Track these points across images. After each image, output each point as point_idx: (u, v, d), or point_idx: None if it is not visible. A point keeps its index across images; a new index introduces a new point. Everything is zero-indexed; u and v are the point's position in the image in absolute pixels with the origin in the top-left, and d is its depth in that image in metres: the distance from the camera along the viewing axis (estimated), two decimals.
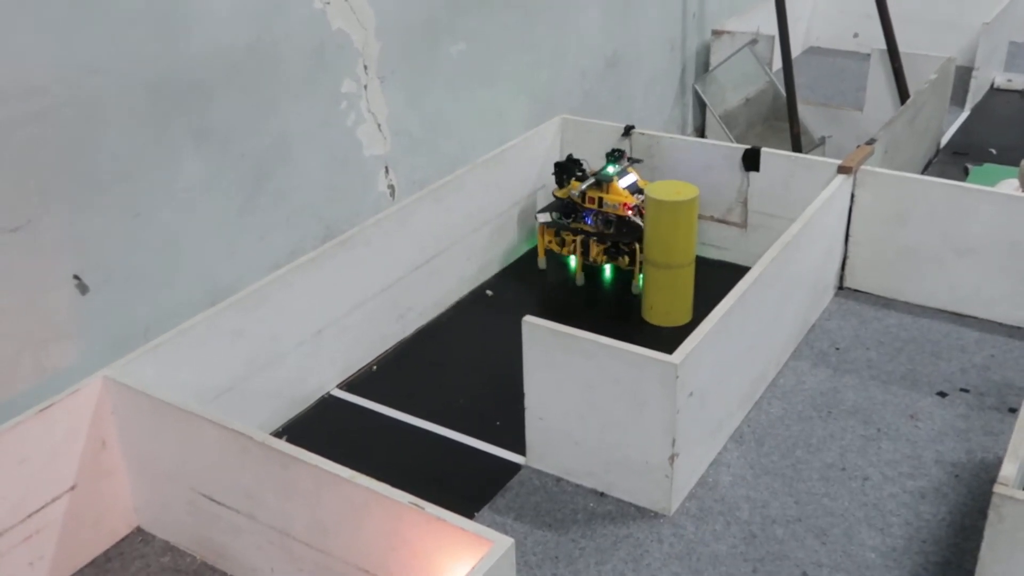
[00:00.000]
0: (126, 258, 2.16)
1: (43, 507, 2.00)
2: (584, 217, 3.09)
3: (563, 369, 2.21)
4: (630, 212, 3.02)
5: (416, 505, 1.69)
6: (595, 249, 3.08)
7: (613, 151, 3.11)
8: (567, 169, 3.15)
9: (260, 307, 2.39)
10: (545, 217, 3.19)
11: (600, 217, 3.07)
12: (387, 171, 2.83)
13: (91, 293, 2.11)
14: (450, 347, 2.87)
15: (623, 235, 3.03)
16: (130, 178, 2.13)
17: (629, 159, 3.16)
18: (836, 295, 3.06)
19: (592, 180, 3.06)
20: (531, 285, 3.18)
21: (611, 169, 3.05)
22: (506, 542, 1.60)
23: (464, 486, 2.32)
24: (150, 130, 2.15)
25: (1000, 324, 2.86)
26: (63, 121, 1.98)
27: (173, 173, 2.23)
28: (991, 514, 1.68)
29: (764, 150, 3.07)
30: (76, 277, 2.07)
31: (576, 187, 3.09)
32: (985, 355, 2.73)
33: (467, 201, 3.04)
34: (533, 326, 2.22)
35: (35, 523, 1.99)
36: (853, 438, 2.42)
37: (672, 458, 2.15)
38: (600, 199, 3.04)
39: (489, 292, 3.13)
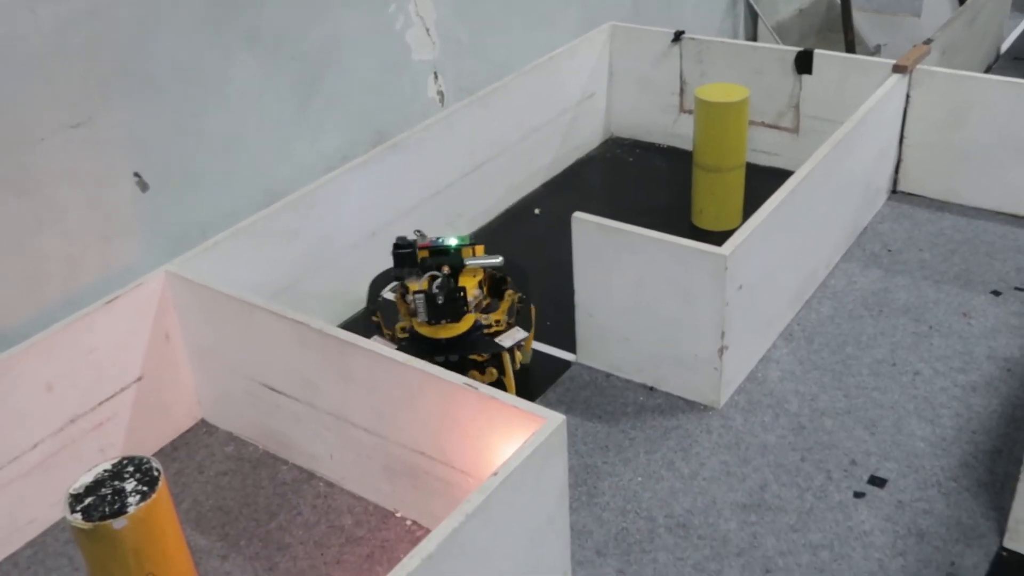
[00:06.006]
0: (184, 157, 2.21)
1: (112, 396, 2.08)
2: None
3: (612, 265, 2.23)
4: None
5: (470, 386, 1.74)
6: None
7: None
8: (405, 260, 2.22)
9: (314, 209, 2.43)
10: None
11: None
12: (436, 76, 2.84)
13: (151, 191, 2.16)
14: (500, 252, 2.88)
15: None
16: (186, 78, 2.17)
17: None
18: (889, 198, 3.02)
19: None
20: (580, 198, 3.18)
21: (453, 241, 2.22)
22: (558, 418, 1.64)
23: (515, 383, 2.36)
24: (204, 30, 2.18)
25: None
26: (119, 19, 2.01)
27: (227, 75, 2.26)
28: None
29: (817, 51, 3.02)
30: (136, 175, 2.13)
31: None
32: None
33: (515, 109, 3.04)
34: (582, 222, 2.23)
35: (105, 411, 2.08)
36: (904, 335, 2.42)
37: (721, 351, 2.16)
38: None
39: (537, 211, 3.12)
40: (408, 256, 2.20)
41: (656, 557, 1.86)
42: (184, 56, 2.15)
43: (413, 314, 2.19)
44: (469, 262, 2.21)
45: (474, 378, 1.96)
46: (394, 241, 2.21)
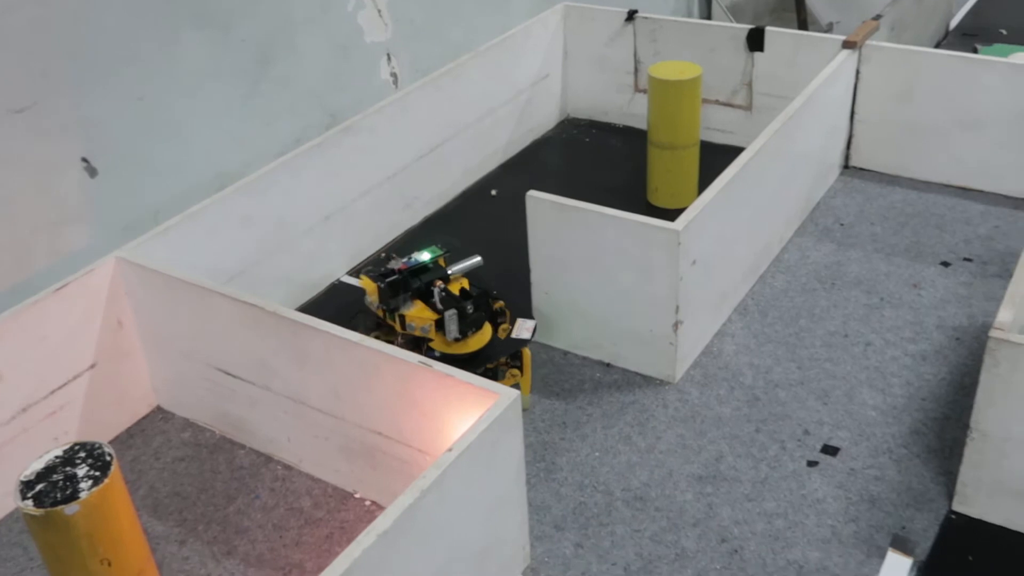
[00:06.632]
0: (133, 142, 2.19)
1: (65, 384, 2.06)
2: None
3: (568, 242, 2.24)
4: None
5: (424, 364, 1.74)
6: None
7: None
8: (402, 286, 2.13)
9: (268, 192, 2.42)
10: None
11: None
12: (389, 58, 2.83)
13: (100, 176, 2.14)
14: (458, 235, 2.89)
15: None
16: (133, 61, 2.15)
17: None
18: (841, 174, 3.06)
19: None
20: (537, 179, 3.18)
21: (426, 255, 2.17)
22: (512, 394, 1.65)
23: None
24: (151, 12, 2.15)
25: (1005, 196, 2.87)
26: (64, 1, 1.98)
27: (176, 57, 2.24)
28: (987, 359, 1.71)
29: (769, 29, 3.04)
30: (84, 160, 2.10)
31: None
32: (989, 226, 2.74)
33: (470, 90, 3.03)
34: (537, 200, 2.24)
35: (58, 399, 2.06)
36: (856, 307, 2.45)
37: (676, 325, 2.18)
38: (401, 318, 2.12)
39: (493, 192, 3.13)
40: (401, 283, 2.11)
41: (614, 530, 1.88)
42: (130, 38, 2.12)
43: (419, 340, 2.11)
44: (452, 270, 2.16)
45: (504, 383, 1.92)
46: (377, 273, 2.13)
